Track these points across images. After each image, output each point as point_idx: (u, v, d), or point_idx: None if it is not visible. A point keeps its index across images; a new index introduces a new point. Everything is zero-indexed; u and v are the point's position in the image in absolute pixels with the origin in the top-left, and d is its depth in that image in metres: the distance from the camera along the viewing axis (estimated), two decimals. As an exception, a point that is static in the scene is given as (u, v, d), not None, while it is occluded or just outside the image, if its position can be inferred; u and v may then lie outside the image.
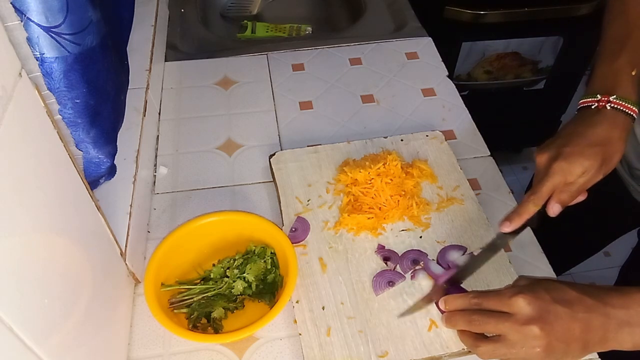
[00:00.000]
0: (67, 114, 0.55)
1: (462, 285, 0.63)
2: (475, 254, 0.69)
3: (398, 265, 0.69)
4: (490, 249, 0.63)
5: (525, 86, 1.72)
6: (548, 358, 0.50)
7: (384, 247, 0.71)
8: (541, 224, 0.63)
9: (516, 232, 0.62)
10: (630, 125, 0.62)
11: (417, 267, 0.69)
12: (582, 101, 0.65)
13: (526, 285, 0.53)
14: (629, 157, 0.79)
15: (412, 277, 0.68)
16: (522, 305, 0.50)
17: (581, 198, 0.63)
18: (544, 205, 0.61)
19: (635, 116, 0.62)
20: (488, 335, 0.54)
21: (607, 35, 0.67)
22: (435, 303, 0.63)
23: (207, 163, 0.85)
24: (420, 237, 0.72)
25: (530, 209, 0.60)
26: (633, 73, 0.63)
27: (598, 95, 0.63)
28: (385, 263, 0.69)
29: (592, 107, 0.63)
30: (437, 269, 0.68)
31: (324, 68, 1.03)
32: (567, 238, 1.00)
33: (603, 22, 0.68)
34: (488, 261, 0.64)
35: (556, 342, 0.49)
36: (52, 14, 0.48)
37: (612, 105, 0.61)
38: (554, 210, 0.61)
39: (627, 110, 0.61)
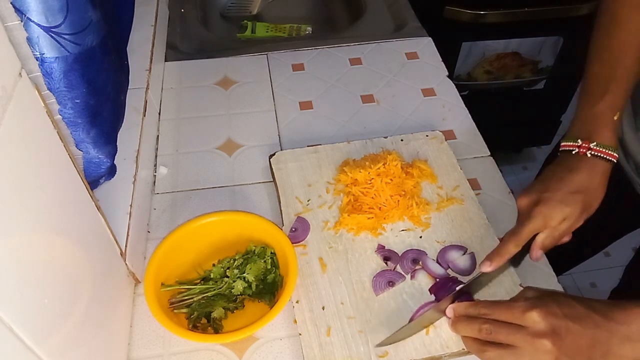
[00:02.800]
0: (67, 114, 0.55)
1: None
2: (475, 254, 0.70)
3: (398, 265, 0.69)
4: (477, 283, 0.64)
5: (525, 86, 1.72)
6: None
7: (384, 247, 0.71)
8: (519, 264, 0.66)
9: (497, 274, 0.64)
10: (609, 170, 0.63)
11: (417, 267, 0.69)
12: (563, 144, 0.66)
13: (537, 298, 0.54)
14: (635, 156, 0.79)
15: (412, 277, 0.68)
16: (536, 319, 0.51)
17: (566, 239, 0.65)
18: (527, 249, 0.62)
19: (614, 161, 0.63)
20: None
21: (590, 75, 0.67)
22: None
23: (207, 163, 0.85)
24: (420, 237, 0.72)
25: (511, 250, 0.61)
26: (615, 118, 0.64)
27: (579, 141, 0.64)
28: (386, 263, 0.69)
29: (573, 152, 0.64)
30: (436, 268, 0.68)
31: (324, 68, 1.03)
32: (572, 231, 1.00)
33: (587, 55, 0.68)
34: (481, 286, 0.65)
35: (565, 356, 0.51)
36: (52, 14, 0.48)
37: (593, 152, 0.63)
38: (537, 255, 0.63)
39: (607, 157, 0.62)
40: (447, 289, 0.65)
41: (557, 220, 0.61)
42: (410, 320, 0.63)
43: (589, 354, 0.51)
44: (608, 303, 0.54)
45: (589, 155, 0.63)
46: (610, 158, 0.62)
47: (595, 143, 0.63)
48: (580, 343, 0.51)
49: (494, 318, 0.55)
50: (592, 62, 0.67)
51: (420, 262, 0.69)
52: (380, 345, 0.61)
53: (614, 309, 0.52)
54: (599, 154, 0.62)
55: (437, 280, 0.67)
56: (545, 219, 0.61)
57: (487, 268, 0.61)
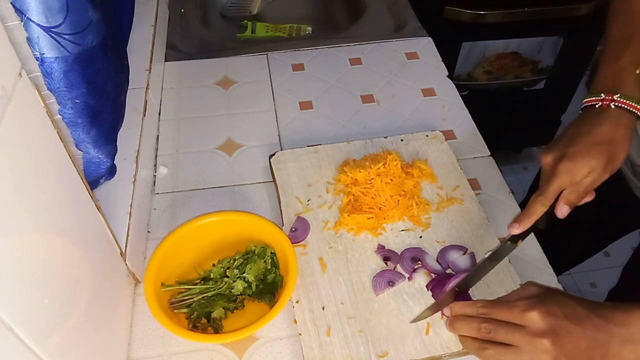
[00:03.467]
0: (67, 114, 0.55)
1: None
2: (475, 254, 0.70)
3: (398, 265, 0.69)
4: (496, 257, 0.63)
5: (525, 86, 1.72)
6: None
7: (384, 247, 0.71)
8: (549, 225, 0.63)
9: (523, 235, 0.62)
10: (634, 124, 0.62)
11: (416, 266, 0.69)
12: (585, 100, 0.65)
13: (537, 297, 0.54)
14: (632, 155, 0.79)
15: (411, 277, 0.68)
16: (535, 319, 0.51)
17: (589, 198, 0.63)
18: (552, 206, 0.61)
19: (638, 114, 0.62)
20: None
21: (611, 34, 0.67)
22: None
23: (207, 163, 0.85)
24: (420, 237, 0.72)
25: (539, 210, 0.60)
26: (637, 72, 0.63)
27: (602, 94, 0.62)
28: (386, 263, 0.69)
29: (596, 106, 0.63)
30: (435, 265, 0.69)
31: (324, 68, 1.03)
32: (567, 238, 1.00)
33: (607, 20, 0.68)
34: (493, 268, 0.64)
35: (564, 357, 0.51)
36: (52, 14, 0.48)
37: (616, 104, 0.61)
38: (562, 211, 0.61)
39: (631, 109, 0.61)
40: (444, 286, 0.65)
41: (583, 173, 0.59)
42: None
43: (588, 355, 0.51)
44: (608, 305, 0.54)
45: (612, 106, 0.61)
46: (634, 110, 0.61)
47: (618, 95, 0.61)
48: (579, 344, 0.51)
49: (493, 317, 0.55)
50: (611, 26, 0.67)
51: (420, 261, 0.69)
52: (414, 320, 0.62)
53: (614, 311, 0.52)
54: (623, 105, 0.61)
55: (435, 276, 0.67)
56: (572, 174, 0.59)
57: (516, 230, 0.60)
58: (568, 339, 0.51)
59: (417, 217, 0.74)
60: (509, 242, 0.63)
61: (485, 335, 0.54)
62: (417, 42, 1.09)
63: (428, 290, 0.66)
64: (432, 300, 0.65)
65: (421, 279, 0.68)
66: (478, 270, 0.64)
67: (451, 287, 0.63)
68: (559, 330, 0.51)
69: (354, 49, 1.08)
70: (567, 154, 0.60)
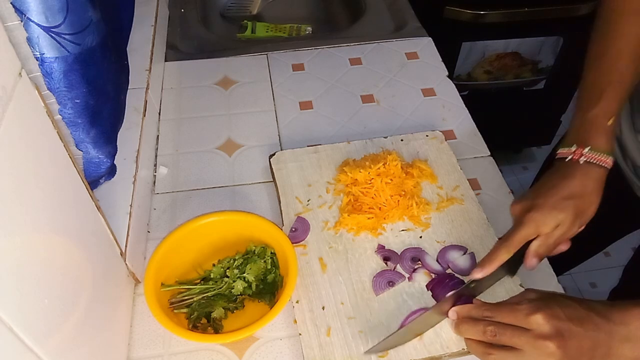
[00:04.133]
0: (67, 114, 0.55)
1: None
2: (475, 254, 0.70)
3: (398, 265, 0.69)
4: (472, 289, 0.63)
5: (525, 86, 1.72)
6: None
7: (384, 247, 0.71)
8: (514, 272, 0.66)
9: (490, 283, 0.64)
10: (604, 176, 0.63)
11: (416, 266, 0.69)
12: (558, 152, 0.66)
13: (541, 300, 0.54)
14: (633, 156, 0.79)
15: (411, 277, 0.68)
16: (540, 322, 0.52)
17: (564, 247, 0.64)
18: (522, 257, 0.62)
19: (608, 167, 0.63)
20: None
21: (586, 82, 0.67)
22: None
23: (207, 163, 0.85)
24: (420, 237, 0.72)
25: (502, 256, 0.61)
26: (609, 123, 0.63)
27: (573, 147, 0.64)
28: (385, 263, 0.69)
29: (567, 159, 0.64)
30: (435, 265, 0.69)
31: (324, 68, 1.03)
32: (568, 238, 1.00)
33: (585, 63, 0.68)
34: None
35: (568, 359, 0.51)
36: (52, 14, 0.48)
37: (586, 158, 0.62)
38: (531, 264, 0.62)
39: (600, 162, 0.62)
40: (444, 285, 0.65)
41: (550, 226, 0.60)
42: (400, 327, 0.63)
43: (590, 355, 0.51)
44: (607, 304, 0.54)
45: (581, 161, 0.62)
46: (603, 164, 0.62)
47: (588, 148, 0.62)
48: (582, 345, 0.51)
49: (497, 320, 0.55)
50: (588, 71, 0.67)
51: (420, 261, 0.69)
52: (368, 352, 0.60)
53: (612, 310, 0.53)
54: (592, 160, 0.62)
55: (435, 276, 0.67)
56: (538, 225, 0.60)
57: (478, 274, 0.60)
58: (572, 340, 0.51)
59: (417, 217, 0.74)
60: (472, 285, 0.62)
61: (491, 338, 0.54)
62: (417, 42, 1.09)
63: (428, 290, 0.66)
64: (432, 301, 0.65)
65: (421, 279, 0.68)
66: (440, 306, 0.63)
67: (448, 295, 0.63)
68: (563, 332, 0.51)
69: (354, 49, 1.08)
70: (534, 205, 0.61)
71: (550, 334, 0.51)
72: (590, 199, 0.62)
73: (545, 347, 0.51)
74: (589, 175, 0.62)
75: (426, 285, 0.67)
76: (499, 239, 0.69)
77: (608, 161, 0.62)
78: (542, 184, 0.64)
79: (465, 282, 0.66)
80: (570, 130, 0.66)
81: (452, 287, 0.65)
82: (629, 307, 0.53)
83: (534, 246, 0.62)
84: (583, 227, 0.64)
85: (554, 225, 0.61)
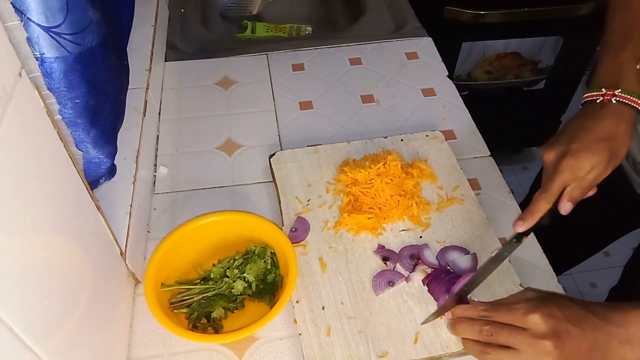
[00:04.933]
0: (67, 114, 0.55)
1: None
2: (478, 255, 0.70)
3: (398, 264, 0.69)
4: (500, 256, 0.63)
5: (525, 86, 1.72)
6: None
7: (384, 247, 0.71)
8: (552, 222, 0.63)
9: (527, 231, 0.62)
10: (635, 118, 0.62)
11: (416, 263, 0.69)
12: (586, 95, 0.65)
13: (538, 300, 0.54)
14: (634, 152, 0.79)
15: (410, 276, 0.68)
16: (537, 321, 0.52)
17: (591, 193, 0.63)
18: (555, 203, 0.61)
19: (639, 109, 0.62)
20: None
21: (611, 29, 0.66)
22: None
23: (207, 163, 0.85)
24: (420, 237, 0.72)
25: (543, 207, 0.60)
26: (638, 67, 0.63)
27: (603, 89, 0.62)
28: (385, 263, 0.69)
29: (597, 101, 0.63)
30: (434, 259, 0.69)
31: (324, 68, 1.03)
32: (567, 238, 1.00)
33: (606, 16, 0.68)
34: (496, 269, 0.64)
35: (565, 359, 0.51)
36: (52, 14, 0.48)
37: (618, 99, 0.61)
38: (565, 208, 0.61)
39: (632, 104, 0.61)
40: (439, 280, 0.65)
41: (586, 170, 0.59)
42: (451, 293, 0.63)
43: (588, 356, 0.51)
44: (606, 305, 0.54)
45: (614, 101, 0.61)
46: (635, 105, 0.61)
47: (619, 90, 0.61)
48: (580, 345, 0.51)
49: (494, 320, 0.55)
50: (611, 21, 0.67)
51: (419, 258, 0.69)
52: (426, 321, 0.62)
53: (612, 312, 0.53)
54: (625, 100, 0.61)
55: (431, 270, 0.67)
56: (574, 170, 0.60)
57: (520, 227, 0.60)
58: (569, 340, 0.51)
59: (417, 217, 0.74)
60: (514, 240, 0.63)
61: (487, 337, 0.54)
62: (417, 42, 1.09)
63: (424, 285, 0.66)
64: (432, 301, 0.65)
65: (421, 278, 0.68)
66: (482, 271, 0.64)
67: (457, 289, 0.63)
68: (560, 332, 0.51)
69: (354, 49, 1.08)
70: (569, 150, 0.60)
71: (547, 334, 0.51)
72: (623, 139, 0.61)
73: (542, 346, 0.50)
74: (621, 115, 0.61)
75: (422, 280, 0.67)
76: (500, 241, 0.69)
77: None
78: (573, 128, 0.63)
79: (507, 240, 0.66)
80: (598, 75, 0.65)
81: (448, 282, 0.65)
82: (629, 309, 0.52)
83: (568, 190, 0.61)
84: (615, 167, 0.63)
85: (589, 168, 0.60)
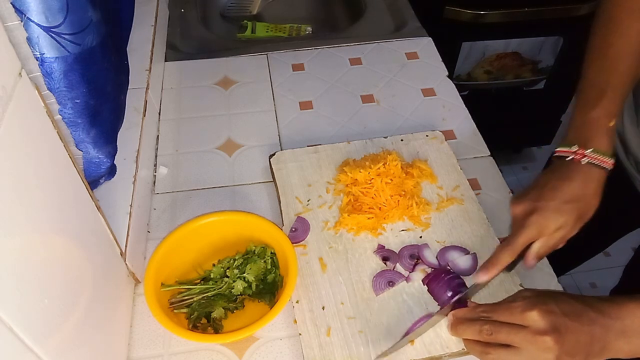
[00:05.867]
0: (67, 114, 0.55)
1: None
2: (477, 255, 0.70)
3: (398, 264, 0.69)
4: (472, 290, 0.64)
5: (525, 86, 1.72)
6: None
7: (384, 247, 0.71)
8: (511, 270, 0.65)
9: (489, 281, 0.63)
10: (604, 178, 0.63)
11: (416, 263, 0.69)
12: (557, 150, 0.66)
13: (535, 297, 0.54)
14: (635, 152, 0.79)
15: (410, 276, 0.68)
16: (535, 318, 0.52)
17: (560, 246, 0.64)
18: (521, 254, 0.62)
19: (609, 169, 0.63)
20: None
21: (586, 81, 0.67)
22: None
23: (207, 163, 0.85)
24: (420, 237, 0.72)
25: (505, 260, 0.61)
26: (610, 124, 0.63)
27: (574, 147, 0.63)
28: (385, 263, 0.69)
29: (567, 158, 0.64)
30: (434, 259, 0.69)
31: (324, 68, 1.03)
32: (568, 238, 1.00)
33: (584, 63, 0.68)
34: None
35: (565, 354, 0.51)
36: (52, 14, 0.48)
37: (588, 159, 0.62)
38: (531, 264, 0.63)
39: (602, 164, 0.62)
40: (440, 280, 0.65)
41: (552, 229, 0.61)
42: (406, 334, 0.63)
43: (587, 350, 0.51)
44: (602, 299, 0.54)
45: (583, 162, 0.62)
46: (605, 165, 0.62)
47: (590, 150, 0.62)
48: (579, 340, 0.51)
49: (494, 319, 0.55)
50: (588, 70, 0.67)
51: (419, 258, 0.69)
52: (379, 357, 0.61)
53: (608, 305, 0.53)
54: (594, 161, 0.62)
55: (431, 270, 0.67)
56: (540, 228, 0.61)
57: (482, 278, 0.61)
58: (568, 335, 0.51)
59: (417, 217, 0.74)
60: (475, 287, 0.63)
61: (487, 337, 0.54)
62: (417, 42, 1.09)
63: (424, 284, 0.66)
64: (432, 301, 0.65)
65: (421, 278, 0.68)
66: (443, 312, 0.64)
67: (453, 300, 0.63)
68: (559, 327, 0.51)
69: (354, 49, 1.08)
70: (536, 208, 0.61)
71: (547, 329, 0.51)
72: (591, 201, 0.62)
73: (542, 342, 0.51)
74: (591, 176, 0.62)
75: (422, 280, 0.67)
76: (502, 238, 0.69)
77: (609, 162, 0.62)
78: (542, 185, 0.64)
79: (465, 282, 0.66)
80: (571, 130, 0.66)
81: (448, 282, 0.65)
82: (625, 301, 0.53)
83: (535, 247, 0.62)
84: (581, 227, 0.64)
85: (556, 228, 0.61)
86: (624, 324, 0.51)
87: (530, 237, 0.61)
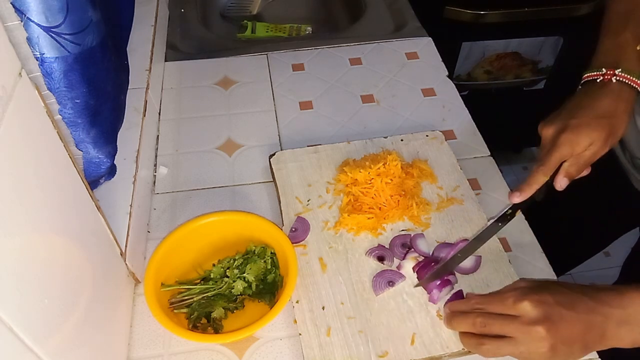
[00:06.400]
0: (67, 114, 0.55)
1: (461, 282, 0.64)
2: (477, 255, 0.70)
3: (395, 258, 0.69)
4: (491, 230, 0.64)
5: (525, 86, 1.72)
6: (552, 358, 0.51)
7: (376, 247, 0.71)
8: (546, 198, 0.64)
9: (520, 206, 0.63)
10: (634, 98, 0.63)
11: (409, 251, 0.69)
12: (586, 75, 0.66)
13: (528, 288, 0.54)
14: (631, 147, 0.79)
15: (400, 262, 0.69)
16: (528, 308, 0.52)
17: (585, 172, 0.64)
18: (551, 178, 0.62)
19: (639, 90, 0.63)
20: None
21: (612, 10, 0.67)
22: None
23: (207, 163, 0.85)
24: (420, 237, 0.72)
25: (540, 179, 0.61)
26: (638, 48, 0.63)
27: (603, 69, 0.63)
28: (382, 263, 0.69)
29: (597, 80, 0.63)
30: (425, 248, 0.70)
31: (324, 68, 1.03)
32: (568, 237, 1.00)
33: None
34: (488, 240, 0.66)
35: (560, 343, 0.51)
36: (52, 14, 0.48)
37: (618, 78, 0.62)
38: (561, 184, 0.62)
39: (632, 84, 0.62)
40: (429, 269, 0.66)
41: (584, 145, 0.60)
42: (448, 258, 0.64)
43: (584, 339, 0.51)
44: (603, 288, 0.54)
45: (614, 80, 0.62)
46: (635, 85, 0.62)
47: (620, 69, 0.62)
48: (575, 329, 0.51)
49: (487, 311, 0.55)
50: (612, 2, 0.68)
51: (412, 246, 0.70)
52: (420, 284, 0.63)
53: (608, 293, 0.53)
54: (624, 80, 0.62)
55: (422, 259, 0.68)
56: (573, 145, 0.60)
57: (517, 198, 0.61)
58: (562, 324, 0.51)
59: (417, 217, 0.74)
60: (509, 212, 0.63)
61: (481, 328, 0.54)
62: (417, 42, 1.09)
63: (414, 272, 0.67)
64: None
65: (411, 266, 0.68)
66: (473, 243, 0.65)
67: (449, 256, 0.64)
68: (552, 316, 0.51)
69: (354, 49, 1.08)
70: (568, 126, 0.61)
71: (539, 319, 0.51)
72: (622, 118, 0.62)
73: (535, 332, 0.50)
74: (621, 95, 0.62)
75: (412, 268, 0.67)
76: (500, 241, 0.69)
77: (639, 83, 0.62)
78: (572, 105, 0.64)
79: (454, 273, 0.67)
80: (598, 55, 0.66)
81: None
82: (626, 290, 0.53)
83: (565, 165, 0.61)
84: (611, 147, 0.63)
85: (587, 144, 0.60)
86: (626, 313, 0.51)
87: (563, 154, 0.61)
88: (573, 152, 0.61)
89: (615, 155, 0.83)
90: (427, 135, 0.85)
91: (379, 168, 0.75)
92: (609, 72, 0.63)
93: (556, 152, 0.61)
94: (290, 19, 1.32)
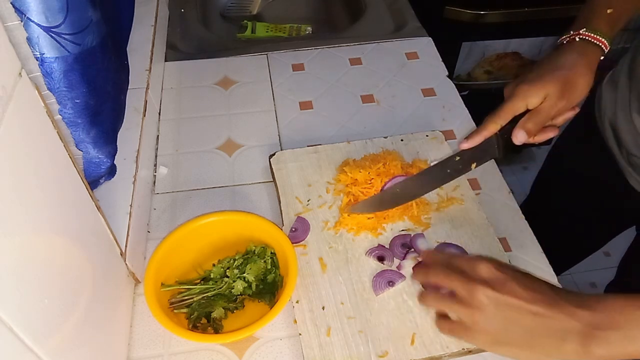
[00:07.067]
0: (67, 114, 0.55)
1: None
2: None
3: (395, 258, 0.69)
4: (445, 167, 0.63)
5: (525, 86, 1.72)
6: (484, 333, 0.48)
7: (376, 247, 0.71)
8: (505, 155, 0.64)
9: (478, 159, 0.63)
10: (599, 57, 0.63)
11: (409, 251, 0.69)
12: (559, 40, 0.66)
13: (499, 262, 0.51)
14: (628, 145, 0.79)
15: (400, 262, 0.69)
16: (482, 268, 0.49)
17: (551, 134, 0.64)
18: (509, 135, 0.61)
19: (605, 48, 0.63)
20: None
21: None
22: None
23: (207, 163, 0.85)
24: (420, 237, 0.72)
25: (490, 127, 0.61)
26: (609, 11, 0.64)
27: (571, 32, 0.65)
28: (382, 263, 0.69)
29: (565, 42, 0.65)
30: (423, 245, 0.70)
31: (324, 68, 1.03)
32: (567, 236, 1.00)
33: None
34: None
35: (497, 318, 0.47)
36: (52, 14, 0.48)
37: (582, 37, 0.63)
38: (518, 138, 0.61)
39: (596, 42, 0.63)
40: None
41: (538, 97, 0.60)
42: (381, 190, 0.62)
43: (531, 332, 0.47)
44: (583, 294, 0.49)
45: (577, 39, 0.63)
46: (598, 43, 0.63)
47: (584, 29, 0.63)
48: (521, 314, 0.47)
49: (452, 264, 0.52)
50: None
51: (412, 246, 0.70)
52: (353, 210, 0.61)
53: (586, 297, 0.48)
54: (588, 38, 0.63)
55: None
56: (525, 96, 0.60)
57: (465, 144, 0.61)
58: (507, 297, 0.47)
59: (417, 217, 0.74)
60: (457, 158, 0.63)
61: (431, 277, 0.52)
62: (417, 42, 1.09)
63: (414, 271, 0.67)
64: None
65: (411, 266, 0.68)
66: (420, 176, 0.64)
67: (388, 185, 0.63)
68: (500, 286, 0.47)
69: (354, 49, 1.08)
70: (524, 79, 0.62)
71: (485, 280, 0.48)
72: (582, 72, 0.61)
73: (476, 290, 0.47)
74: (584, 51, 0.63)
75: (412, 268, 0.67)
76: (500, 241, 0.69)
77: (603, 42, 0.63)
78: (537, 64, 0.64)
79: None
80: (572, 23, 0.67)
81: None
82: (605, 297, 0.48)
83: (521, 120, 0.61)
84: (574, 110, 0.63)
85: (542, 96, 0.60)
86: (598, 317, 0.46)
87: (515, 105, 0.61)
88: (526, 103, 0.60)
89: (612, 153, 0.83)
90: (427, 135, 0.86)
91: (378, 168, 0.75)
92: (575, 33, 0.64)
93: (509, 102, 0.61)
94: (290, 19, 1.32)
